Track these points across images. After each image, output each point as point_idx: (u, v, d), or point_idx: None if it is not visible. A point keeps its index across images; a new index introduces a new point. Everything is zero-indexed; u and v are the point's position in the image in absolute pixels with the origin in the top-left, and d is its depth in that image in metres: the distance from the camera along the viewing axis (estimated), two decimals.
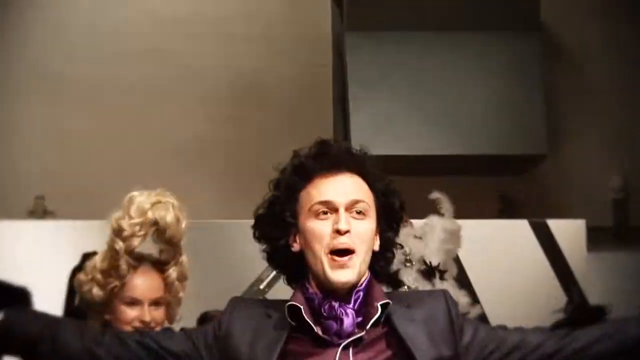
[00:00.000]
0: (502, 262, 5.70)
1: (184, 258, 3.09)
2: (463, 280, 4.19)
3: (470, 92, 6.56)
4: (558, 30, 7.17)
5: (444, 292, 2.34)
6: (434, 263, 3.64)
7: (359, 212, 2.24)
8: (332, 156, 2.28)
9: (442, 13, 6.47)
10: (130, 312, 3.00)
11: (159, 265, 3.07)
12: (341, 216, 2.20)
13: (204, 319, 4.23)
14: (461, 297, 3.59)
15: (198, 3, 7.28)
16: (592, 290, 5.77)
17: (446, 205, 3.77)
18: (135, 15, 7.18)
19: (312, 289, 2.24)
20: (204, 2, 7.27)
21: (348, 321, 2.18)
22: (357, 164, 2.30)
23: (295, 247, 2.28)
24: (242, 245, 4.49)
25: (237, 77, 7.08)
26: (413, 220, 3.59)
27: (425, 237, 3.71)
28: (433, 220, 3.72)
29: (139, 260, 3.03)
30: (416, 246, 3.65)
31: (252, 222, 2.32)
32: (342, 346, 2.16)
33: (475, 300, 4.16)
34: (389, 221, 2.32)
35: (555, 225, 5.86)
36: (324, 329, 2.18)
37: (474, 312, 3.69)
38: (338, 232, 2.20)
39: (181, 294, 3.10)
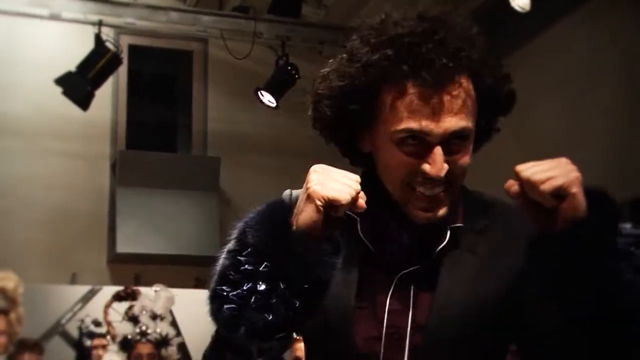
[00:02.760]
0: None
1: (20, 309, 4.93)
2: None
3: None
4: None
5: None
6: (159, 312, 5.77)
7: (460, 138, 1.55)
8: (439, 55, 1.51)
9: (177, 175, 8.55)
10: None
11: (4, 312, 4.90)
12: (436, 157, 1.53)
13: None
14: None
15: None
16: None
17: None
18: None
19: (381, 196, 1.61)
20: None
21: (412, 246, 1.61)
22: (470, 64, 1.55)
23: (366, 147, 1.65)
24: None
25: None
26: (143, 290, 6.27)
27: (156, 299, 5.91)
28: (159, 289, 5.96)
29: None
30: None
31: None
32: (397, 277, 1.61)
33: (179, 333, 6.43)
34: (491, 111, 1.64)
35: None
36: (384, 251, 1.63)
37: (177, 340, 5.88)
38: (427, 177, 1.54)
39: (18, 329, 4.96)
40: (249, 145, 8.76)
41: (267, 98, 7.46)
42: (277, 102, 7.43)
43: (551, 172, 1.42)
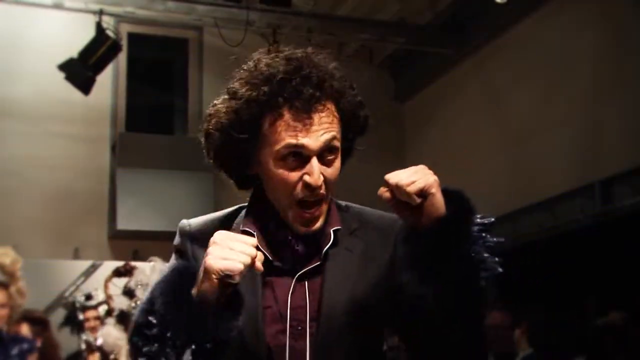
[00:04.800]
0: None
1: (21, 282, 5.02)
2: None
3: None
4: None
5: (399, 220, 1.79)
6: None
7: (330, 152, 1.76)
8: (307, 87, 1.73)
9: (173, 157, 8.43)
10: None
11: (4, 285, 5.00)
12: (314, 168, 1.74)
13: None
14: None
15: None
16: None
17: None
18: None
19: (270, 210, 1.81)
20: None
21: (302, 251, 1.81)
22: (332, 92, 1.77)
23: (255, 170, 1.82)
24: None
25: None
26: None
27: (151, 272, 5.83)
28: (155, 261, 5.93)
29: None
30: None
31: None
32: (295, 278, 1.81)
33: None
34: (351, 133, 1.84)
35: None
36: (279, 257, 1.82)
37: None
38: (308, 185, 1.74)
39: (20, 301, 5.01)
40: None
41: None
42: None
43: (414, 177, 1.66)
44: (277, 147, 1.73)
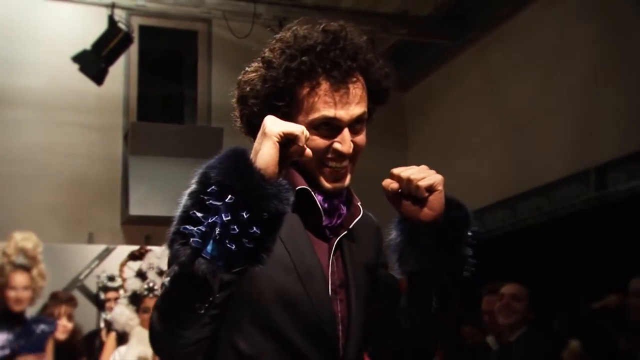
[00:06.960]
0: None
1: (42, 265, 5.24)
2: None
3: None
4: None
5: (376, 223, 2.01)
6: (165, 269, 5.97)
7: (359, 122, 1.82)
8: (344, 59, 1.78)
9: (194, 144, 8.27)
10: (10, 293, 5.13)
11: (27, 268, 5.21)
12: (345, 137, 1.79)
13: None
14: None
15: None
16: None
17: None
18: None
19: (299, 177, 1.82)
20: None
21: (344, 216, 1.86)
22: (364, 65, 1.82)
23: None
24: None
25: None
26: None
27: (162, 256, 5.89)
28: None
29: (15, 266, 5.23)
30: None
31: None
32: (337, 239, 1.86)
33: None
34: (374, 103, 1.89)
35: None
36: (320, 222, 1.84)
37: None
38: (339, 153, 1.79)
39: (41, 284, 5.20)
40: None
41: None
42: None
43: (423, 173, 1.79)
44: (313, 116, 1.76)
